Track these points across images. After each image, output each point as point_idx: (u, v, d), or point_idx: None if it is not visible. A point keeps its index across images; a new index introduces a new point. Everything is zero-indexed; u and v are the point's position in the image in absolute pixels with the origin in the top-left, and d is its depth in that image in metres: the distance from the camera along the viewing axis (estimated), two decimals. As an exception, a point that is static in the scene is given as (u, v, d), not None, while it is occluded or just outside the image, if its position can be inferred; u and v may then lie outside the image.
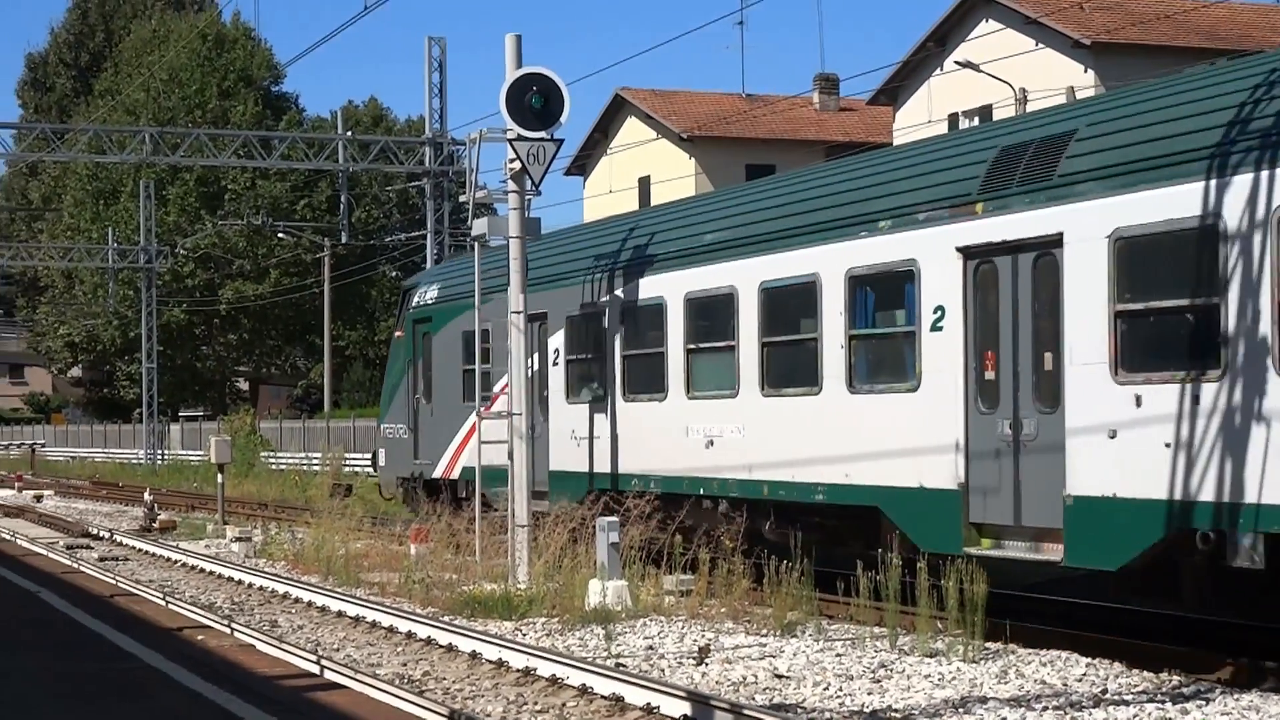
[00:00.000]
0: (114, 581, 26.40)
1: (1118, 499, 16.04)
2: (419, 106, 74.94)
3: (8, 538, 36.25)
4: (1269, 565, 14.87)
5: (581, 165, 75.48)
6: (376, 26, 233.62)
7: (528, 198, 24.55)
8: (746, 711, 13.31)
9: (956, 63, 52.30)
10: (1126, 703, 14.34)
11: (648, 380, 24.68)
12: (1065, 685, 15.25)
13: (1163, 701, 14.39)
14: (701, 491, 23.23)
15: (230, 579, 27.71)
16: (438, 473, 31.50)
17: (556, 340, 26.97)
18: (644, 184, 68.62)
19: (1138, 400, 15.87)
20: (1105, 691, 14.91)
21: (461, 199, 28.61)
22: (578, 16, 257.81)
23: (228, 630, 20.02)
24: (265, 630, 20.46)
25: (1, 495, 60.38)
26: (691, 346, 23.65)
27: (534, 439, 26.50)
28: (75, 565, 29.25)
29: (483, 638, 18.33)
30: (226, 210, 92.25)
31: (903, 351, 19.24)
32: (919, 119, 55.27)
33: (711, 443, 23.03)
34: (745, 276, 22.32)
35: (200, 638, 18.71)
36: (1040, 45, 53.11)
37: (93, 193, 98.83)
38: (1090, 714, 13.86)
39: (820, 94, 73.75)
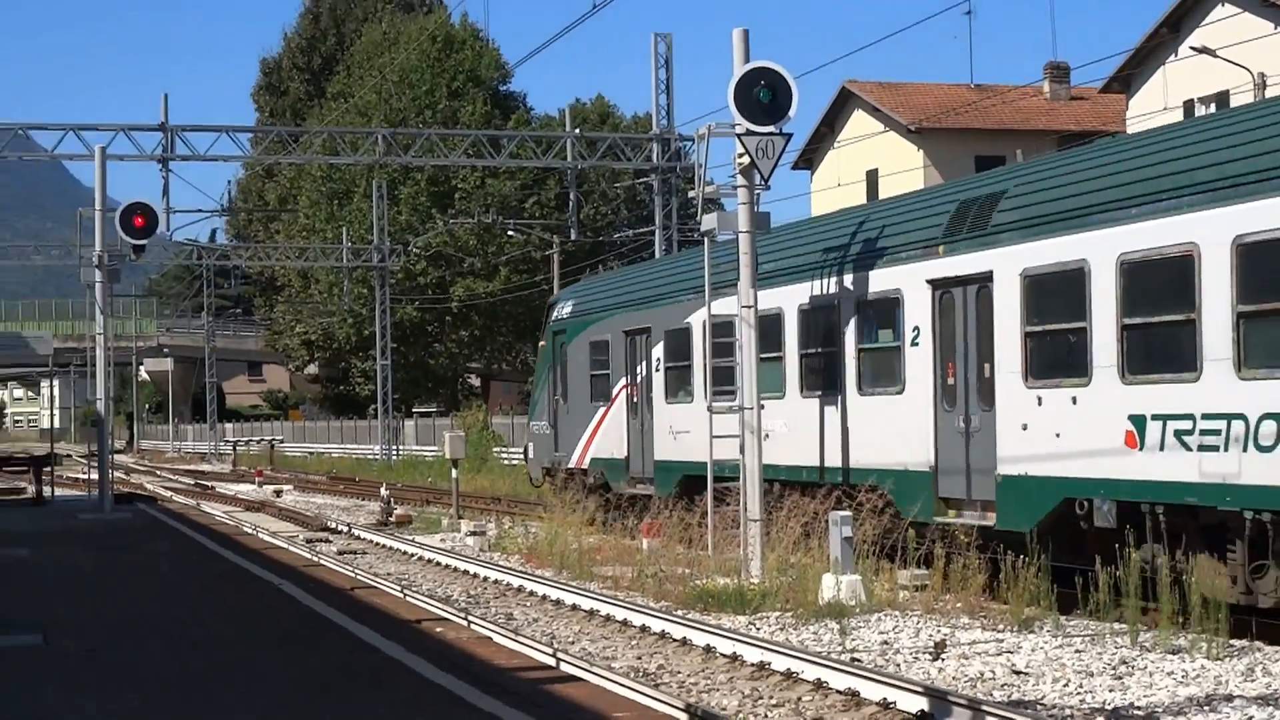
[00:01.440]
0: (353, 574, 26.87)
1: (1028, 476, 20.75)
2: (646, 103, 75.19)
3: (250, 531, 37.04)
4: (1119, 524, 19.09)
5: (808, 159, 75.15)
6: (603, 25, 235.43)
7: (756, 192, 24.53)
8: (985, 708, 13.18)
9: (1192, 48, 51.19)
10: (1379, 702, 13.98)
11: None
12: (1314, 683, 14.90)
13: None
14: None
15: (465, 572, 28.07)
16: (572, 463, 36.21)
17: (657, 351, 31.81)
18: (871, 177, 68.20)
19: (1039, 401, 20.62)
20: (1357, 690, 14.55)
21: (690, 194, 28.69)
22: (805, 10, 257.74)
23: (465, 623, 20.27)
24: (501, 623, 20.70)
25: (243, 490, 61.77)
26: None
27: (642, 432, 32.46)
28: (315, 558, 29.83)
29: (717, 632, 18.37)
30: (457, 209, 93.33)
31: (893, 362, 23.87)
32: (1153, 106, 54.24)
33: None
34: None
35: (438, 630, 18.96)
36: None
37: (327, 193, 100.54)
38: (1341, 713, 13.51)
39: (1051, 83, 72.63)
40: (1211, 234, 17.73)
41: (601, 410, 34.67)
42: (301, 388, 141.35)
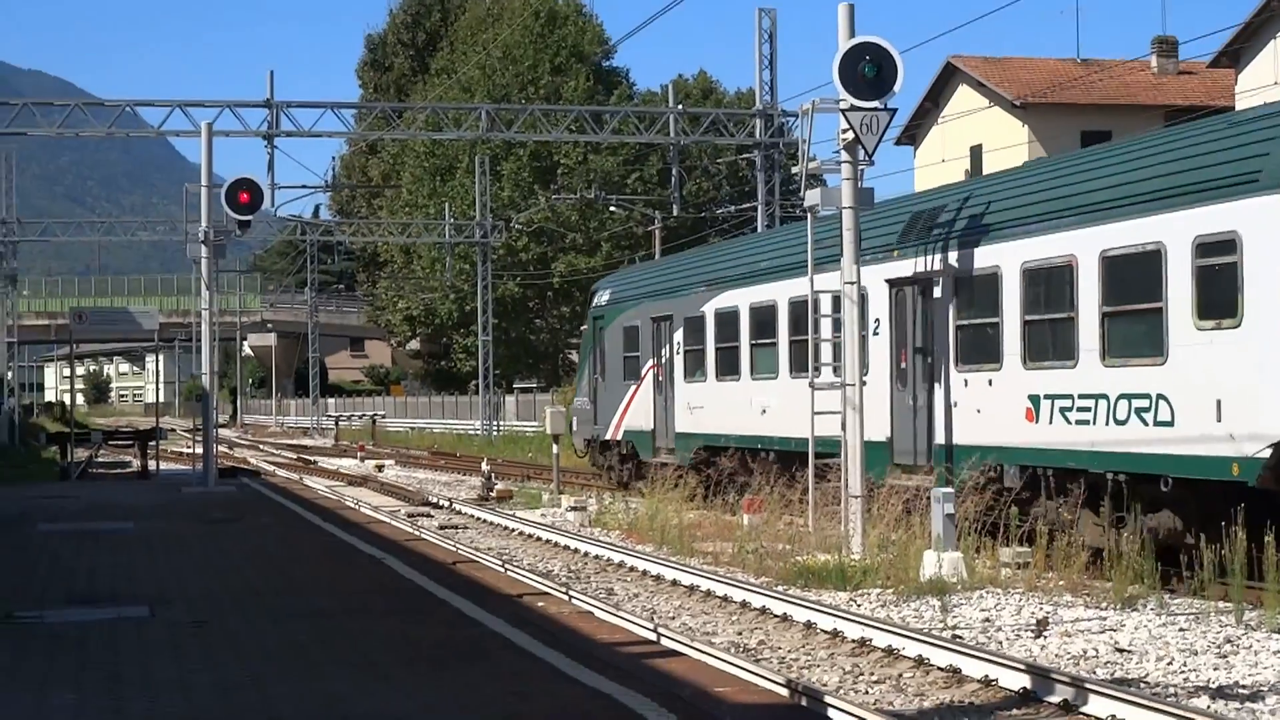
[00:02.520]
0: (454, 549, 27.00)
1: (957, 445, 24.56)
2: (748, 79, 74.83)
3: (352, 506, 37.28)
4: (1026, 486, 22.93)
5: (912, 135, 74.71)
6: (706, 0, 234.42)
7: (860, 168, 24.42)
8: (1088, 685, 13.11)
9: (1302, 22, 50.44)
10: None
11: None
12: None
13: None
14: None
15: (566, 547, 28.17)
16: (608, 435, 41.38)
17: (678, 335, 36.37)
18: (975, 153, 67.73)
19: (966, 383, 24.62)
20: None
21: (793, 170, 28.62)
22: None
23: (565, 597, 20.33)
24: (602, 598, 20.77)
25: (345, 465, 62.19)
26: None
27: (666, 408, 36.92)
28: (417, 533, 29.97)
29: (817, 608, 18.35)
30: (559, 185, 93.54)
31: (865, 349, 26.53)
32: (1263, 81, 53.51)
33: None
34: None
35: (540, 604, 19.01)
36: (1392, 1, 50.92)
37: (430, 169, 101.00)
38: None
39: (1158, 57, 71.70)
40: (1084, 248, 22.02)
41: (632, 388, 39.48)
42: (403, 363, 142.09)
